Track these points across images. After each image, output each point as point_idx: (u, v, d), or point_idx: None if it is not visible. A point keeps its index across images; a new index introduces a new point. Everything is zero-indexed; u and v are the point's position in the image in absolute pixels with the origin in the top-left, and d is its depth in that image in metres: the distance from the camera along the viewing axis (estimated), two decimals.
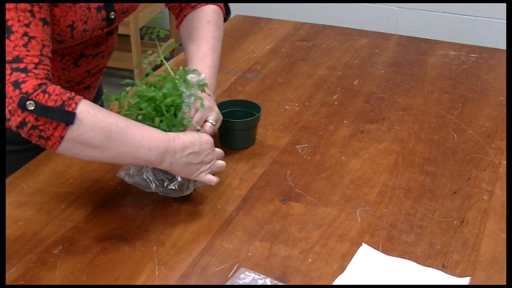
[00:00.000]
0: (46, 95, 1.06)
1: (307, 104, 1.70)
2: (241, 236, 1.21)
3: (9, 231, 1.21)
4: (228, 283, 1.09)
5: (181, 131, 1.23)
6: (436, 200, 1.31)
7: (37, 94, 1.05)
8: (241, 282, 1.09)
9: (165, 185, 1.28)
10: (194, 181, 1.29)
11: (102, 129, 1.10)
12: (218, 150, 1.28)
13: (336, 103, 1.70)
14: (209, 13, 1.49)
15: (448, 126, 1.59)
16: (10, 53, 1.07)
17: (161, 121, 1.22)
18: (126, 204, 1.29)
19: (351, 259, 1.15)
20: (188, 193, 1.29)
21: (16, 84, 1.05)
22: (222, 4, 1.54)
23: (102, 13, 1.30)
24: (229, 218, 1.26)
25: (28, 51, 1.08)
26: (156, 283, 1.09)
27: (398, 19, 3.82)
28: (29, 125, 1.06)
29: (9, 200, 1.29)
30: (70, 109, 1.07)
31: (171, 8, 1.54)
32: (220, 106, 1.50)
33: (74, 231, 1.21)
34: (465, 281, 1.10)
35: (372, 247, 1.17)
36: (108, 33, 1.42)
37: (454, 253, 1.17)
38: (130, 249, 1.17)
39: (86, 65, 1.41)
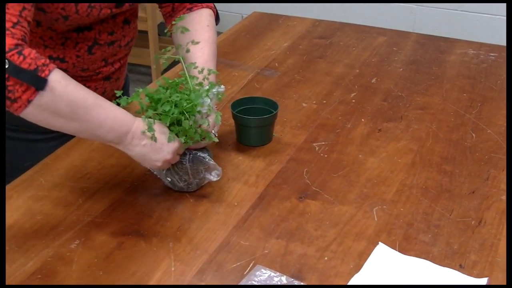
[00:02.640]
0: (21, 57, 1.05)
1: (325, 102, 1.69)
2: (258, 233, 1.21)
3: (27, 225, 1.21)
4: (244, 280, 1.09)
5: (195, 141, 1.26)
6: (453, 199, 1.30)
7: (12, 54, 1.05)
8: (257, 279, 1.09)
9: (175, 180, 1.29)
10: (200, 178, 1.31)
11: (69, 101, 1.11)
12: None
13: (353, 101, 1.70)
14: (207, 17, 1.49)
15: (467, 125, 1.58)
16: None
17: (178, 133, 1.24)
18: (143, 200, 1.29)
19: (367, 258, 1.14)
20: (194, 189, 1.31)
21: None
22: (215, 9, 1.53)
23: None
24: (246, 215, 1.26)
25: (7, 9, 1.08)
26: (172, 279, 1.10)
27: (417, 17, 3.80)
28: None
29: (27, 194, 1.30)
30: (43, 75, 1.07)
31: (162, 7, 1.52)
32: (238, 103, 1.51)
33: (91, 226, 1.21)
34: (483, 281, 1.09)
35: (389, 246, 1.17)
36: (124, 22, 1.42)
37: (472, 253, 1.16)
38: (147, 245, 1.17)
39: (101, 54, 1.41)
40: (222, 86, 1.33)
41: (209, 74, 1.33)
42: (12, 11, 1.09)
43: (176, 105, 1.23)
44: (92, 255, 1.14)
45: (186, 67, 1.31)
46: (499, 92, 1.75)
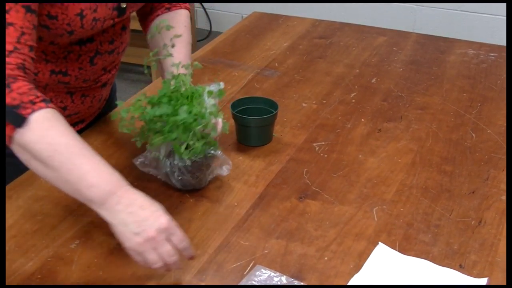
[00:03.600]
0: (8, 89, 1.03)
1: (325, 102, 1.69)
2: (257, 233, 1.21)
3: (27, 225, 1.21)
4: (244, 280, 1.09)
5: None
6: (453, 200, 1.30)
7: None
8: (257, 279, 1.09)
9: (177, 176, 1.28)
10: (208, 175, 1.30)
11: (48, 145, 1.03)
12: (178, 238, 1.07)
13: (353, 101, 1.70)
14: (185, 18, 1.49)
15: (467, 125, 1.58)
16: None
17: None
18: None
19: (367, 258, 1.14)
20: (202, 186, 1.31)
21: None
22: (190, 10, 1.53)
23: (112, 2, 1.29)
24: (246, 215, 1.25)
25: (7, 35, 1.05)
26: (172, 279, 1.10)
27: (417, 17, 3.80)
28: None
29: (27, 194, 1.30)
30: (24, 112, 1.02)
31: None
32: (237, 103, 1.51)
33: (91, 226, 1.21)
34: (483, 281, 1.09)
35: (389, 246, 1.17)
36: (122, 28, 1.42)
37: (472, 253, 1.16)
38: None
39: (102, 63, 1.41)
40: (221, 83, 1.32)
41: (186, 68, 1.32)
42: (9, 38, 1.06)
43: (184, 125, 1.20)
44: (92, 255, 1.14)
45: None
46: (499, 92, 1.75)
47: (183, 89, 1.25)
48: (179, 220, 1.23)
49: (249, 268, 1.12)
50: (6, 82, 1.03)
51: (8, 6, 1.07)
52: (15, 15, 1.07)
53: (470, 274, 1.11)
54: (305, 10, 3.92)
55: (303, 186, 1.34)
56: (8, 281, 1.08)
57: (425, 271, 1.12)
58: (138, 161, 1.33)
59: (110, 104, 1.61)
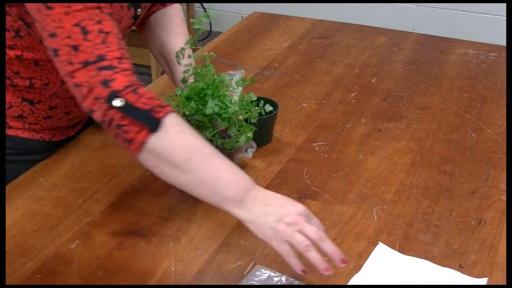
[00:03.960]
0: (136, 96, 1.04)
1: (325, 102, 1.69)
2: None
3: (27, 225, 1.21)
4: (243, 280, 1.09)
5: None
6: (453, 200, 1.30)
7: (127, 93, 1.03)
8: (256, 279, 1.09)
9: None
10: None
11: (184, 147, 1.05)
12: (316, 222, 1.08)
13: (353, 101, 1.70)
14: (180, 12, 1.51)
15: (467, 125, 1.58)
16: (91, 53, 1.04)
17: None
18: (143, 200, 1.29)
19: (367, 258, 1.14)
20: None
21: (105, 83, 1.03)
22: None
23: (131, 10, 1.30)
24: None
25: (108, 47, 1.05)
26: (172, 279, 1.10)
27: (417, 17, 3.80)
28: (115, 122, 1.04)
29: (27, 194, 1.30)
30: (158, 116, 1.04)
31: None
32: None
33: (91, 226, 1.21)
34: (483, 281, 1.09)
35: (389, 246, 1.17)
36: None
37: (472, 253, 1.16)
38: (147, 245, 1.17)
39: None
40: (242, 70, 1.34)
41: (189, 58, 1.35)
42: (112, 47, 1.06)
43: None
44: (92, 255, 1.14)
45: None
46: (499, 92, 1.75)
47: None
48: (179, 220, 1.23)
49: (249, 268, 1.12)
50: (132, 88, 1.04)
51: (98, 16, 1.07)
52: (107, 23, 1.08)
53: (470, 274, 1.11)
54: (305, 10, 3.92)
55: (303, 186, 1.34)
56: (8, 281, 1.08)
57: (425, 271, 1.12)
58: None
59: None
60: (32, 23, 1.19)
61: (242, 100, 1.30)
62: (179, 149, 1.05)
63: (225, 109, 1.25)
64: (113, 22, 1.10)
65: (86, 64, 1.04)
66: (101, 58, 1.04)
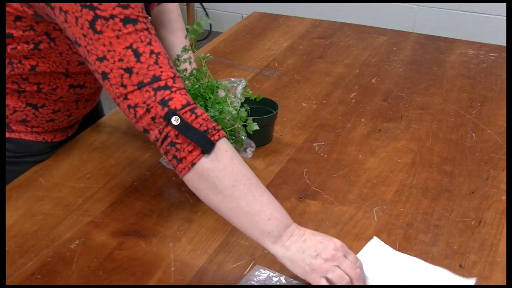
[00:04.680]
0: (193, 115, 1.04)
1: (325, 102, 1.69)
2: None
3: (27, 225, 1.21)
4: (243, 280, 1.09)
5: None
6: (453, 200, 1.30)
7: (185, 112, 1.03)
8: (255, 280, 1.09)
9: None
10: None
11: (233, 174, 1.05)
12: (353, 256, 1.08)
13: (353, 101, 1.70)
14: (177, 7, 1.51)
15: (467, 125, 1.58)
16: (146, 74, 1.03)
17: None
18: (143, 200, 1.29)
19: (367, 258, 1.14)
20: None
21: (164, 103, 1.03)
22: None
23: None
24: None
25: (160, 67, 1.05)
26: (172, 279, 1.10)
27: (417, 17, 3.80)
28: (169, 140, 1.04)
29: (27, 194, 1.30)
30: (212, 138, 1.04)
31: None
32: None
33: (91, 226, 1.21)
34: (471, 281, 1.09)
35: (389, 246, 1.17)
36: None
37: (472, 253, 1.16)
38: (147, 245, 1.17)
39: None
40: (243, 80, 1.34)
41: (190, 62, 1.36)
42: (164, 67, 1.05)
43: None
44: (92, 255, 1.14)
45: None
46: (499, 92, 1.75)
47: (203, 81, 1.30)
48: (179, 220, 1.23)
49: (249, 268, 1.12)
50: (189, 107, 1.04)
51: (147, 38, 1.06)
52: (156, 44, 1.07)
53: (470, 274, 1.11)
54: (305, 10, 3.92)
55: (303, 186, 1.34)
56: (8, 281, 1.08)
57: (414, 268, 1.12)
58: (165, 160, 1.35)
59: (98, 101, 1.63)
60: (57, 37, 1.19)
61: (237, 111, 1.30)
62: (227, 175, 1.05)
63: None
64: (160, 42, 1.09)
65: (141, 85, 1.03)
66: (156, 78, 1.04)
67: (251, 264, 1.13)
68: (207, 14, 4.51)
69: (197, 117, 1.04)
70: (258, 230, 1.06)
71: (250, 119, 1.31)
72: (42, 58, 1.24)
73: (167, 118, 1.03)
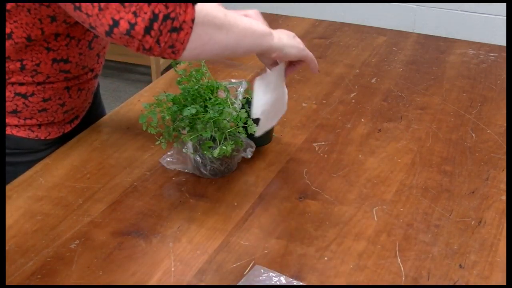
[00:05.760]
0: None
1: (325, 102, 1.69)
2: (257, 234, 1.21)
3: (27, 225, 1.21)
4: (242, 280, 1.09)
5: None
6: (453, 200, 1.30)
7: (156, 6, 1.03)
8: (256, 280, 1.09)
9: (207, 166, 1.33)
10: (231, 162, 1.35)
11: (216, 8, 1.10)
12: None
13: (353, 101, 1.70)
14: None
15: (467, 125, 1.58)
16: None
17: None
18: (143, 200, 1.29)
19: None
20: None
21: None
22: None
23: None
24: (246, 215, 1.25)
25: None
26: (172, 279, 1.10)
27: (417, 17, 3.80)
28: (161, 16, 1.04)
29: (27, 194, 1.30)
30: None
31: None
32: None
33: (91, 226, 1.21)
34: None
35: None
36: None
37: (472, 253, 1.16)
38: (147, 245, 1.17)
39: (97, 47, 1.41)
40: (244, 81, 1.36)
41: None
42: None
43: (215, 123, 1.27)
44: (92, 255, 1.15)
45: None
46: (499, 92, 1.75)
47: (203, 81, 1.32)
48: (179, 220, 1.23)
49: (249, 268, 1.12)
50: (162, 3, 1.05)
51: None
52: None
53: (470, 274, 1.11)
54: (305, 10, 3.92)
55: (303, 186, 1.34)
56: (8, 281, 1.08)
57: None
58: (165, 160, 1.37)
59: (96, 98, 1.63)
60: None
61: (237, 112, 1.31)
62: (216, 10, 1.10)
63: (203, 113, 1.26)
64: None
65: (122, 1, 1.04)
66: None
67: (251, 264, 1.13)
68: None
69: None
70: (261, 36, 1.18)
71: (250, 120, 1.31)
72: (14, 23, 1.23)
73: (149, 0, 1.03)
